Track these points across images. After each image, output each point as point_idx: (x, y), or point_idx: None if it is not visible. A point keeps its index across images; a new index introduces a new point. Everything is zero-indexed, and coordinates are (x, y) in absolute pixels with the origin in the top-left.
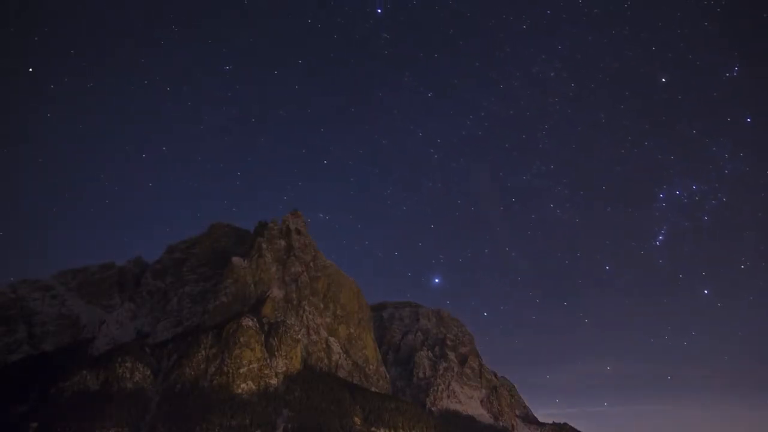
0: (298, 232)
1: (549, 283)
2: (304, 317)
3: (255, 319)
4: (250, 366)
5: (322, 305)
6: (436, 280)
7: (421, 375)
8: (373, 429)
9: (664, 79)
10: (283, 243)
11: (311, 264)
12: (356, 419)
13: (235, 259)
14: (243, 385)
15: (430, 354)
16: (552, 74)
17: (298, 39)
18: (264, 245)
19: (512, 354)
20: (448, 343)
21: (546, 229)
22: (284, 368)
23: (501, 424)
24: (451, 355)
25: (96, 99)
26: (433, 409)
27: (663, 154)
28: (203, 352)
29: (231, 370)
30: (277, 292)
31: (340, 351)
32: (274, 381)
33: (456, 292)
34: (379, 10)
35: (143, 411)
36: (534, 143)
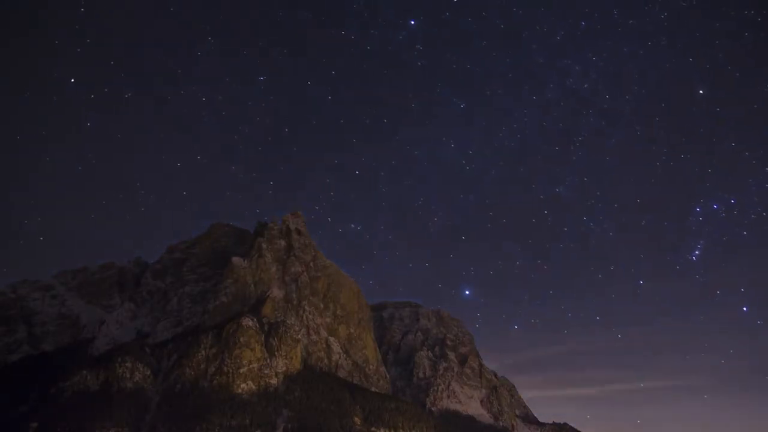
0: (298, 232)
1: (581, 298)
2: (304, 317)
3: (255, 319)
4: (250, 366)
5: (322, 305)
6: (467, 293)
7: (421, 375)
8: (373, 429)
9: (701, 91)
10: (283, 243)
11: (311, 264)
12: (356, 419)
13: (235, 259)
14: (243, 385)
15: (430, 354)
16: (586, 86)
17: (332, 50)
18: (264, 245)
19: (541, 368)
20: (448, 343)
21: (579, 242)
22: (284, 368)
23: (501, 424)
24: (451, 355)
25: (134, 107)
26: (433, 409)
27: (700, 168)
28: (203, 352)
29: (231, 370)
30: (277, 292)
31: (340, 351)
32: (274, 381)
33: (486, 305)
34: (413, 22)
35: (143, 411)
36: (567, 155)
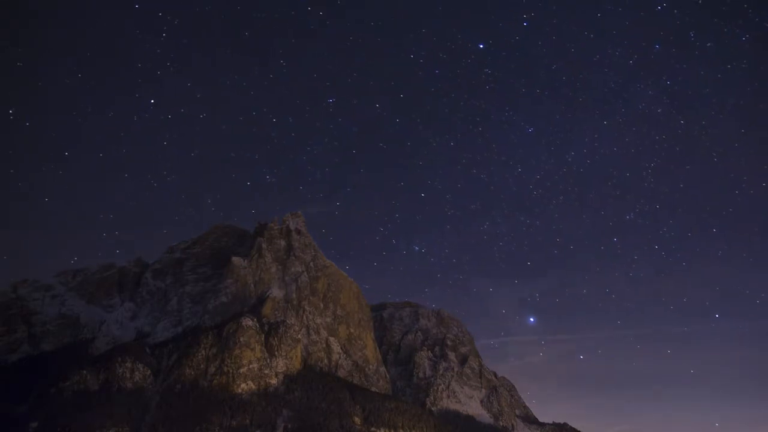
0: (298, 232)
1: (652, 329)
2: (304, 317)
3: (255, 319)
4: (250, 366)
5: (322, 305)
6: (531, 320)
7: (421, 375)
8: (373, 429)
9: None
10: (283, 243)
11: (311, 264)
12: (356, 419)
13: (235, 259)
14: (243, 385)
15: (430, 354)
16: (659, 110)
17: (400, 73)
18: (264, 245)
19: (605, 398)
20: (448, 343)
21: (650, 271)
22: (284, 368)
23: (501, 424)
24: (451, 355)
25: (207, 128)
26: (433, 409)
27: None
28: (203, 352)
29: (231, 370)
30: (277, 292)
31: (340, 351)
32: (274, 381)
33: (551, 334)
34: (481, 46)
35: (143, 411)
36: (638, 181)
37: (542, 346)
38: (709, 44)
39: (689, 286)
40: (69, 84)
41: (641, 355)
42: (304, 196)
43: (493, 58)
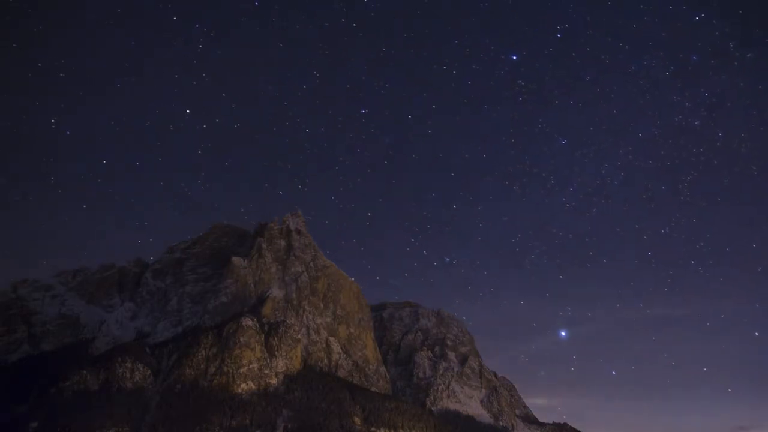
0: (298, 232)
1: (687, 346)
2: (304, 317)
3: (255, 319)
4: (250, 366)
5: (322, 305)
6: (563, 334)
7: (421, 375)
8: (373, 429)
9: None
10: (283, 243)
11: (311, 264)
12: (356, 419)
13: (235, 259)
14: (243, 385)
15: (430, 354)
16: (697, 123)
17: (433, 85)
18: (264, 245)
19: (640, 415)
20: (448, 343)
21: (685, 287)
22: (284, 368)
23: (501, 424)
24: (451, 355)
25: (242, 138)
26: (433, 409)
27: None
28: (203, 352)
29: (231, 370)
30: (277, 292)
31: (340, 351)
32: (274, 381)
33: (583, 348)
34: (515, 57)
35: (143, 411)
36: (674, 195)
37: (574, 360)
38: (749, 55)
39: (727, 302)
40: (108, 94)
41: (677, 372)
42: (335, 206)
43: (526, 70)
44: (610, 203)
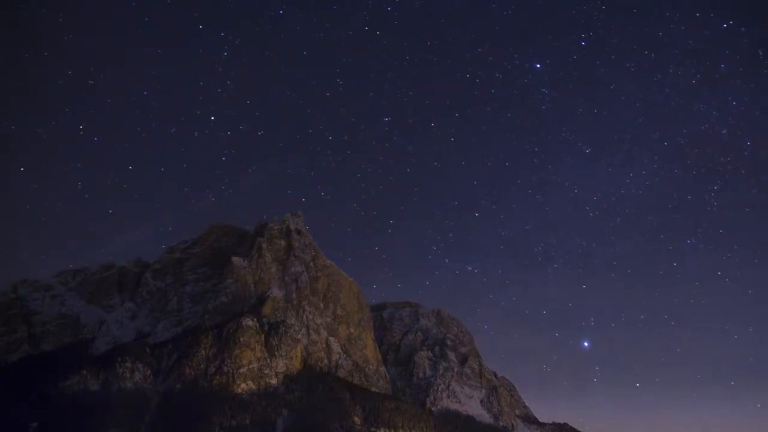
0: (298, 232)
1: (714, 360)
2: (304, 317)
3: (255, 319)
4: (250, 366)
5: (322, 305)
6: (585, 344)
7: (421, 375)
8: (373, 429)
9: None
10: (283, 243)
11: (311, 264)
12: (356, 419)
13: (235, 259)
14: (243, 385)
15: (430, 354)
16: (724, 131)
17: (456, 93)
18: (264, 245)
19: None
20: (448, 343)
21: (712, 299)
22: (284, 368)
23: (501, 424)
24: (451, 355)
25: (262, 144)
26: (433, 409)
27: None
28: (203, 352)
29: (231, 370)
30: (277, 292)
31: (340, 351)
32: (274, 381)
33: (606, 359)
34: (538, 65)
35: (143, 411)
36: (701, 204)
37: (596, 371)
38: None
39: (755, 315)
40: (135, 101)
41: (703, 385)
42: (357, 213)
43: (550, 78)
44: (634, 213)
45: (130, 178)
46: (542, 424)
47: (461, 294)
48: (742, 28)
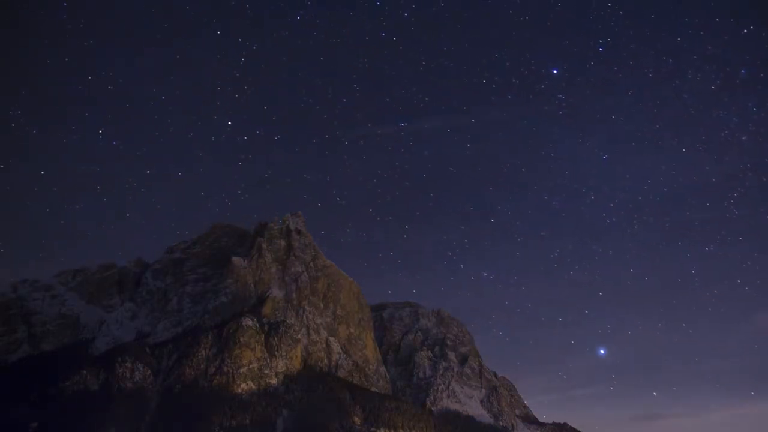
0: (298, 232)
1: (733, 369)
2: (304, 317)
3: (255, 319)
4: (250, 366)
5: (322, 305)
6: (602, 352)
7: (421, 375)
8: (373, 429)
9: None
10: (283, 243)
11: (311, 264)
12: (356, 419)
13: (235, 259)
14: (243, 385)
15: (430, 354)
16: (744, 138)
17: (472, 98)
18: (264, 245)
19: None
20: (448, 343)
21: (731, 306)
22: (284, 368)
23: (501, 424)
24: (451, 355)
25: (281, 149)
26: (433, 409)
27: None
28: (203, 352)
29: (231, 370)
30: (277, 292)
31: (340, 351)
32: (274, 381)
33: (623, 367)
34: (555, 71)
35: (143, 411)
36: (721, 211)
37: (613, 379)
38: None
39: None
40: (153, 106)
41: (721, 395)
42: (373, 219)
43: (567, 84)
44: (651, 219)
45: (148, 182)
46: (542, 424)
47: (476, 300)
48: (763, 33)
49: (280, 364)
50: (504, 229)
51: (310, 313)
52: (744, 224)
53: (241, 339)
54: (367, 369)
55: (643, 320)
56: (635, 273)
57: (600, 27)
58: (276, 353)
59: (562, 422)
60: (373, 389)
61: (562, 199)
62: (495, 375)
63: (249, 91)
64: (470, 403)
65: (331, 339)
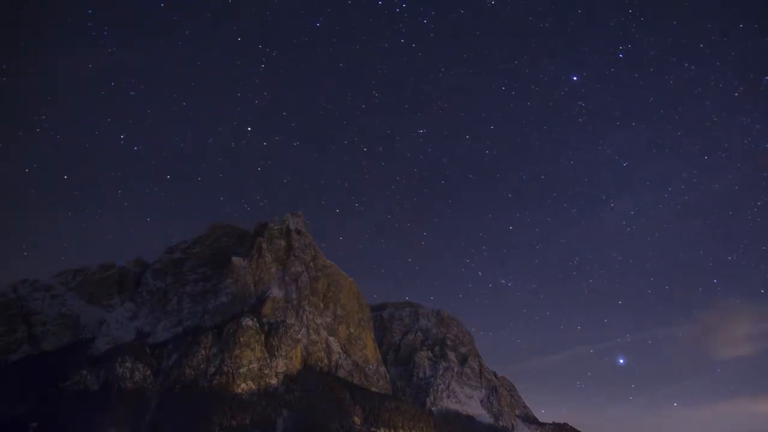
0: (298, 232)
1: (755, 379)
2: (304, 317)
3: (255, 319)
4: (250, 366)
5: (322, 305)
6: (621, 361)
7: (421, 375)
8: (372, 429)
9: None
10: (283, 243)
11: (311, 264)
12: (356, 419)
13: (235, 259)
14: (243, 385)
15: (430, 354)
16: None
17: (491, 105)
18: (264, 245)
19: None
20: (448, 343)
21: (754, 317)
22: (284, 368)
23: (501, 424)
24: (451, 355)
25: (299, 154)
26: (433, 409)
27: None
28: (203, 352)
29: (231, 370)
30: (277, 292)
31: (340, 351)
32: (274, 381)
33: (643, 376)
34: (575, 77)
35: (143, 411)
36: (742, 220)
37: (632, 389)
38: None
39: None
40: (173, 112)
41: (745, 407)
42: (392, 225)
43: (587, 91)
44: (672, 228)
45: (168, 188)
46: (542, 424)
47: (494, 308)
48: None
49: (280, 364)
50: (522, 237)
51: (310, 313)
52: (765, 232)
53: (241, 339)
54: (367, 369)
55: (663, 329)
56: (655, 281)
57: (620, 33)
58: (276, 353)
59: (562, 422)
60: (373, 389)
61: (582, 206)
62: (495, 375)
63: (268, 97)
64: (470, 403)
65: (331, 339)
